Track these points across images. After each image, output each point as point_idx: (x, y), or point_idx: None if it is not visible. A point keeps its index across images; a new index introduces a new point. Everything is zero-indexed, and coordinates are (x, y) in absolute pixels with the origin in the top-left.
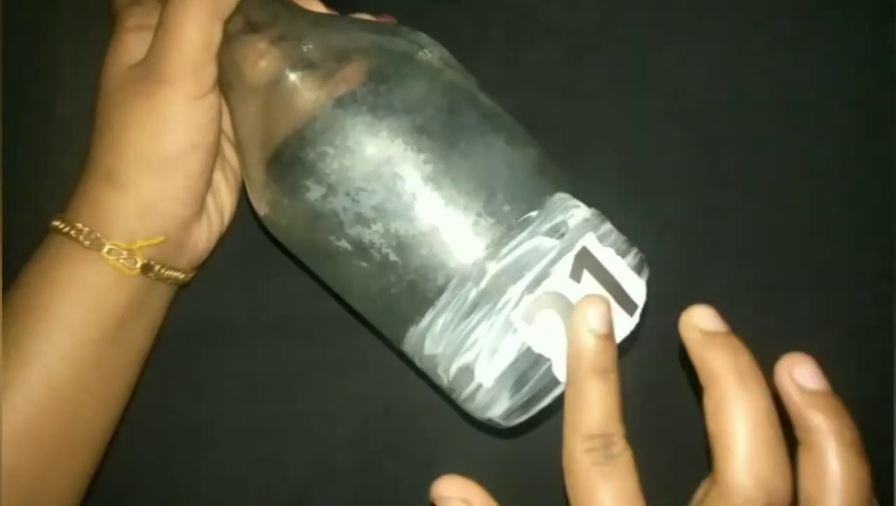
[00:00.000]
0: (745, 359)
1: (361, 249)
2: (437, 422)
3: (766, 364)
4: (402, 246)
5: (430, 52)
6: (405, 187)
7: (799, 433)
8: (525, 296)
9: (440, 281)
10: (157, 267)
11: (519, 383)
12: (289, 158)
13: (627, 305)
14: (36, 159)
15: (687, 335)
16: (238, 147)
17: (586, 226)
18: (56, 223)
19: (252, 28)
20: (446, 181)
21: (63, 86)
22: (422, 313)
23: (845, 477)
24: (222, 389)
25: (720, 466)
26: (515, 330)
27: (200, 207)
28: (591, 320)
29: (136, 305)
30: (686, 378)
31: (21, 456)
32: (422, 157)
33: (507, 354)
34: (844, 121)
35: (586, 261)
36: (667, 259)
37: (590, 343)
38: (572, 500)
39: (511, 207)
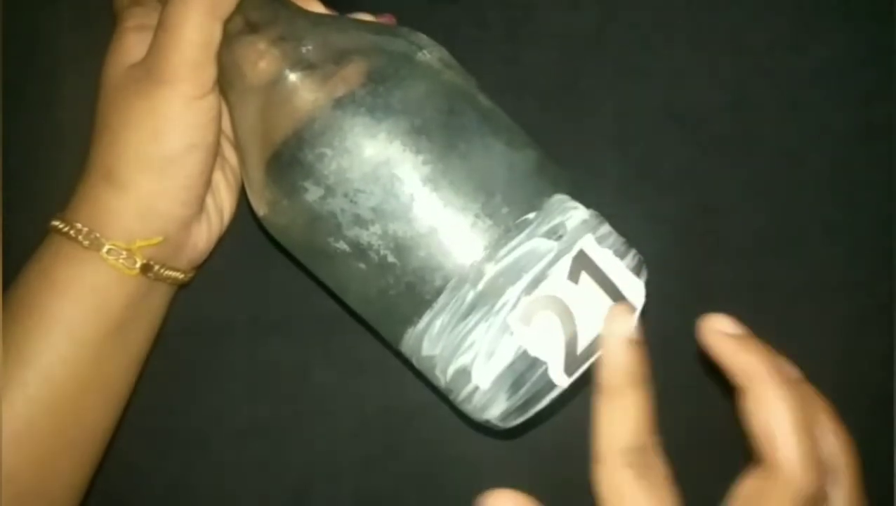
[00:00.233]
0: (776, 357)
1: (360, 250)
2: (437, 422)
3: None
4: (400, 247)
5: (430, 53)
6: (403, 189)
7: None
8: (522, 298)
9: (438, 283)
10: (156, 267)
11: (516, 385)
12: (288, 159)
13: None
14: (36, 159)
15: (713, 340)
16: (237, 147)
17: (584, 228)
18: (56, 223)
19: (252, 28)
20: (444, 183)
21: (63, 86)
22: (420, 315)
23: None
24: (222, 389)
25: (774, 460)
26: (512, 332)
27: (200, 207)
28: (627, 328)
29: (135, 305)
30: (686, 378)
31: (20, 456)
32: (420, 158)
33: (504, 357)
34: (844, 121)
35: (584, 263)
36: (666, 259)
37: (627, 352)
38: None
39: (509, 209)
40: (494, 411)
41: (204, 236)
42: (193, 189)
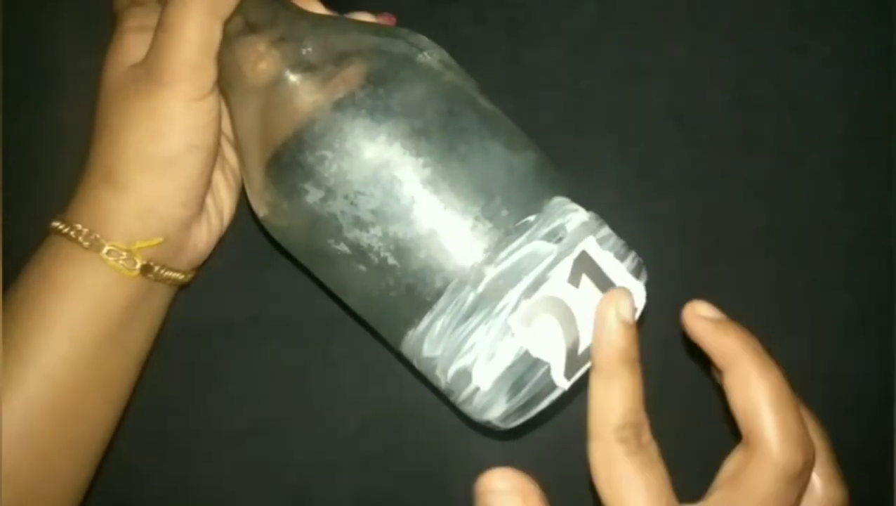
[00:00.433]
0: (754, 339)
1: (360, 252)
2: (437, 423)
3: None
4: (400, 249)
5: (430, 55)
6: (403, 191)
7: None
8: (522, 300)
9: (438, 284)
10: (156, 268)
11: (516, 387)
12: (288, 161)
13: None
14: (36, 159)
15: (696, 325)
16: (237, 148)
17: (584, 230)
18: (56, 224)
19: (252, 29)
20: (444, 185)
21: (63, 86)
22: (420, 316)
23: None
24: (222, 389)
25: (757, 436)
26: (513, 334)
27: (200, 207)
28: (622, 311)
29: (135, 306)
30: (686, 379)
31: (20, 456)
32: (420, 160)
33: (505, 358)
34: (844, 121)
35: (585, 265)
36: (666, 261)
37: (621, 333)
38: (605, 490)
39: (509, 212)
40: (495, 411)
41: (204, 237)
42: (193, 190)
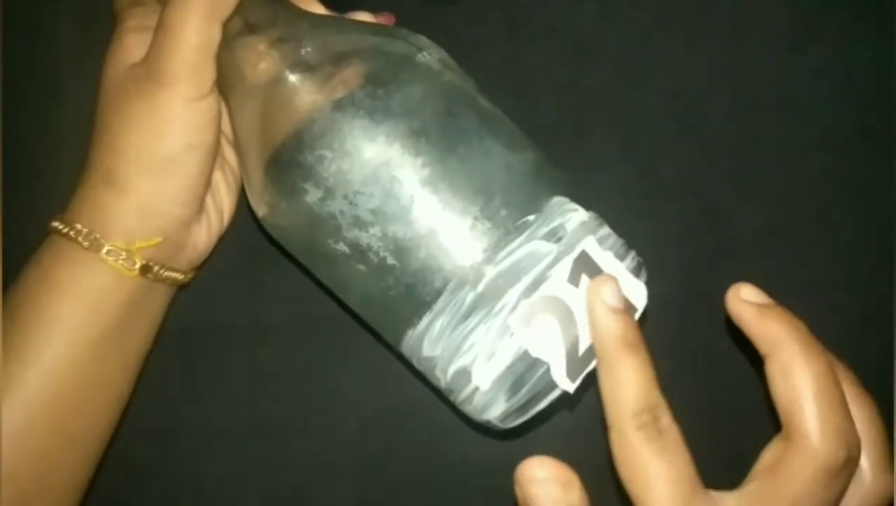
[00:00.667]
0: (801, 324)
1: (359, 252)
2: (437, 423)
3: None
4: (399, 249)
5: (430, 55)
6: (403, 191)
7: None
8: (522, 300)
9: (438, 284)
10: (156, 268)
11: (516, 386)
12: (287, 161)
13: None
14: (36, 159)
15: (739, 308)
16: (237, 148)
17: (584, 230)
18: (55, 224)
19: (251, 29)
20: (444, 185)
21: (63, 86)
22: (419, 316)
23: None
24: (222, 389)
25: (797, 428)
26: (513, 334)
27: (200, 207)
28: (608, 297)
29: (135, 306)
30: (688, 379)
31: (20, 456)
32: (419, 160)
33: (504, 358)
34: (844, 121)
35: (584, 265)
36: (666, 261)
37: (613, 318)
38: (626, 479)
39: (508, 211)
40: (495, 411)
41: (203, 237)
42: (193, 190)
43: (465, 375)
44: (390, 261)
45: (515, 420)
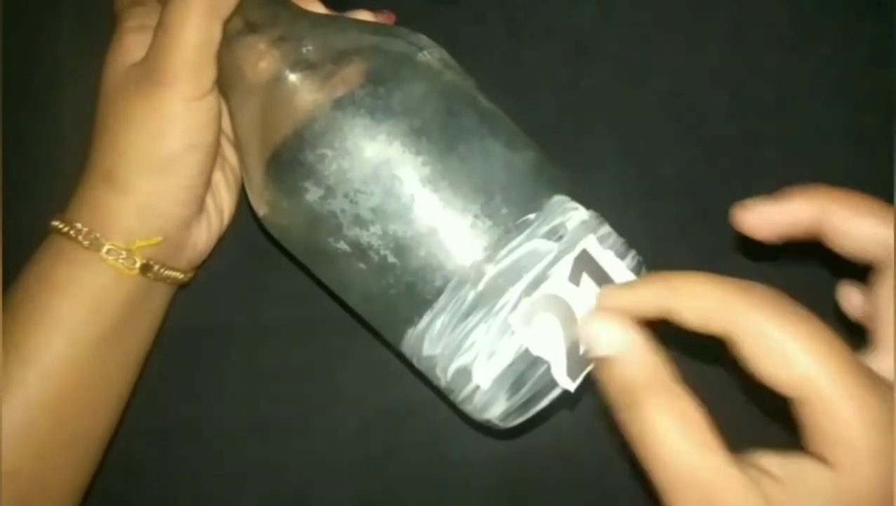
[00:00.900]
0: None
1: (360, 250)
2: (437, 422)
3: None
4: (400, 248)
5: (430, 54)
6: (403, 189)
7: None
8: (523, 298)
9: (438, 283)
10: (156, 267)
11: (516, 385)
12: (288, 160)
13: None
14: (36, 159)
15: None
16: (237, 147)
17: (584, 228)
18: (55, 223)
19: (251, 29)
20: (444, 183)
21: (63, 86)
22: (420, 315)
23: None
24: (222, 389)
25: None
26: (513, 332)
27: (200, 207)
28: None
29: (135, 306)
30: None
31: (20, 456)
32: (420, 159)
33: (505, 357)
34: (844, 121)
35: (585, 263)
36: (666, 260)
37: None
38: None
39: (509, 210)
40: (495, 410)
41: (204, 236)
42: (193, 189)
43: (465, 374)
44: (391, 259)
45: (516, 419)
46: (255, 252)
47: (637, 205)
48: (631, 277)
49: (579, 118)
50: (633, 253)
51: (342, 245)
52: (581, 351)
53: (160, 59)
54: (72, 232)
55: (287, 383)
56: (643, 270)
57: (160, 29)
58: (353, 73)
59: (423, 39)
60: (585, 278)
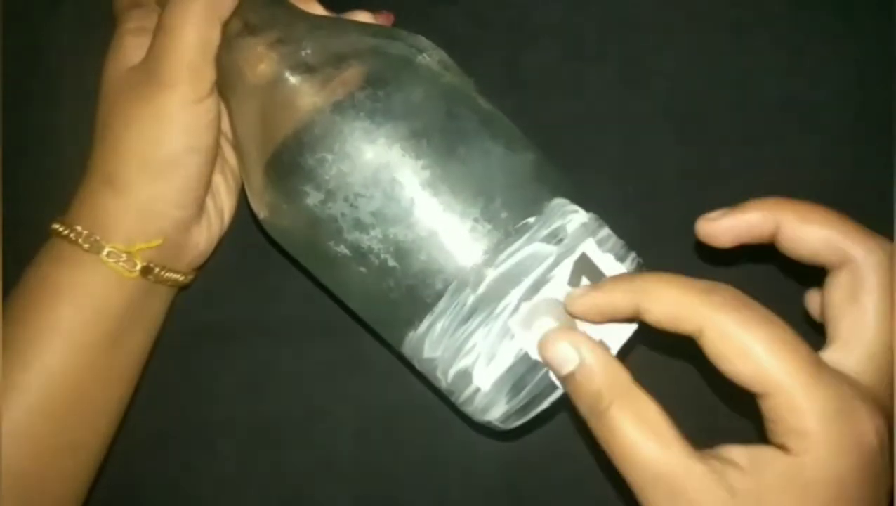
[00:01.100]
0: None
1: (360, 254)
2: (437, 422)
3: None
4: (400, 251)
5: (429, 56)
6: (403, 193)
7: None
8: (523, 302)
9: (438, 286)
10: (156, 269)
11: (516, 388)
12: (287, 163)
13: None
14: (36, 161)
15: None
16: (237, 150)
17: (584, 231)
18: (56, 226)
19: (251, 31)
20: (444, 187)
21: (63, 87)
22: (420, 318)
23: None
24: (222, 390)
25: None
26: (513, 336)
27: (200, 209)
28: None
29: (135, 308)
30: (685, 381)
31: (21, 458)
32: (420, 162)
33: (505, 359)
34: (844, 121)
35: (585, 267)
36: (666, 262)
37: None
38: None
39: (509, 213)
40: (495, 412)
41: (204, 238)
42: (193, 191)
43: (466, 376)
44: (391, 263)
45: (516, 421)
46: (255, 253)
47: (637, 206)
48: None
49: (579, 119)
50: (633, 255)
51: (342, 248)
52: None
53: (160, 61)
54: (72, 235)
55: (287, 384)
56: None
57: (159, 31)
58: (352, 75)
59: (423, 41)
60: (585, 282)
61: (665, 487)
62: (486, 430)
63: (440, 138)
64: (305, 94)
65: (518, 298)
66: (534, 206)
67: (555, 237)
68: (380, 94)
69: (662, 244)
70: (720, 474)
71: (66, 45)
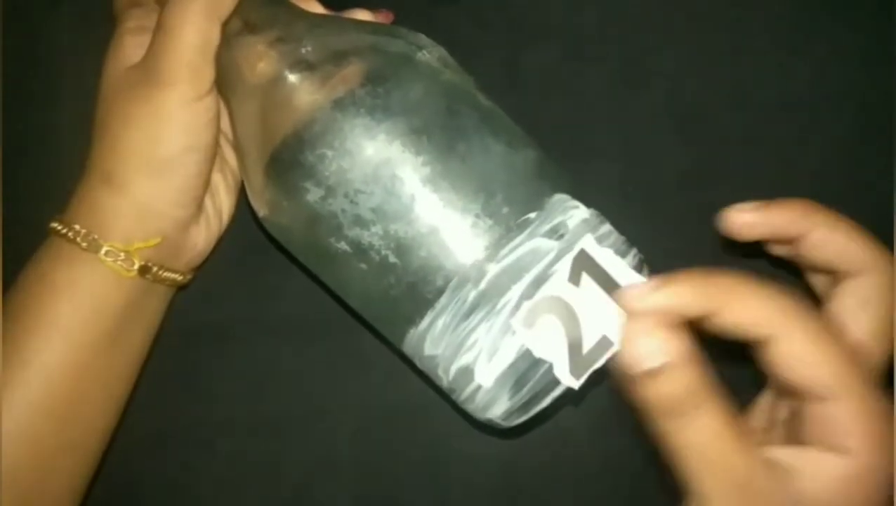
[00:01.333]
0: None
1: (361, 250)
2: (438, 422)
3: None
4: (401, 248)
5: (429, 53)
6: (404, 189)
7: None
8: (524, 299)
9: (439, 282)
10: (155, 268)
11: (518, 384)
12: (288, 160)
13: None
14: (36, 160)
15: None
16: (237, 148)
17: (585, 227)
18: (54, 225)
19: (250, 29)
20: (444, 183)
21: (63, 87)
22: (421, 315)
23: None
24: (222, 389)
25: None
26: (514, 332)
27: (198, 208)
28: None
29: (134, 307)
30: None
31: (20, 457)
32: (420, 159)
33: (507, 356)
34: (844, 121)
35: (585, 263)
36: (667, 259)
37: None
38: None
39: (510, 209)
40: (497, 409)
41: (202, 238)
42: (192, 190)
43: (467, 373)
44: (392, 259)
45: (518, 418)
46: (254, 252)
47: (637, 204)
48: (632, 274)
49: (579, 118)
50: (634, 251)
51: (343, 245)
52: (584, 350)
53: (159, 60)
54: (70, 233)
55: (287, 383)
56: (644, 268)
57: (159, 30)
58: (352, 73)
59: (422, 39)
60: (586, 277)
61: (744, 496)
62: (487, 429)
63: (440, 135)
64: (305, 91)
65: (519, 294)
66: (535, 201)
67: (556, 232)
68: (380, 90)
69: (662, 242)
70: (786, 479)
71: (66, 45)
